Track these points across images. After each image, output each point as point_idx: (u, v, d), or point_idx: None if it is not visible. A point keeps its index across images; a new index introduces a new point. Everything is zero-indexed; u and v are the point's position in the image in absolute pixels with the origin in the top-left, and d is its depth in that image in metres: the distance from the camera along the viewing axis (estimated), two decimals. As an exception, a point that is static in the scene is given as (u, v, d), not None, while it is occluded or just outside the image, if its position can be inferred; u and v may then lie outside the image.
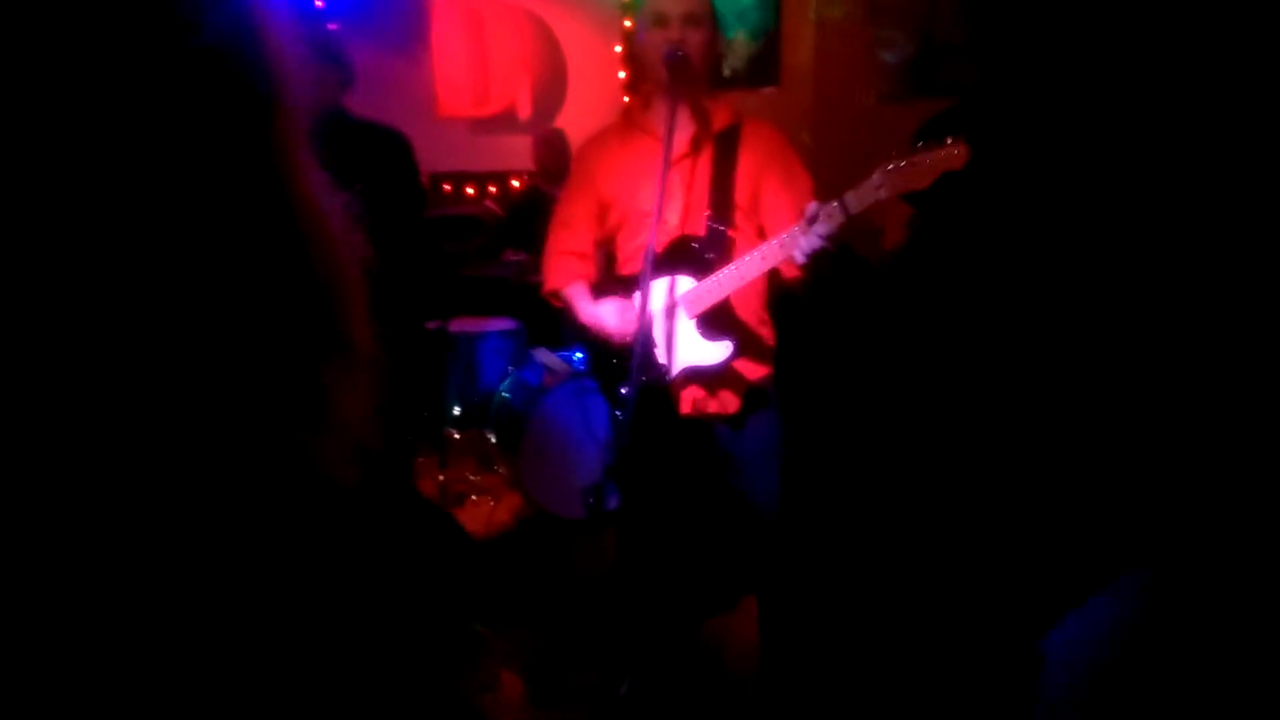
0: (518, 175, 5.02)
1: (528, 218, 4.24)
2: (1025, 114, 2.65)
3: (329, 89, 2.82)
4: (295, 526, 0.53)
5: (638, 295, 2.24)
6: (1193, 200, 2.78)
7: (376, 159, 2.81)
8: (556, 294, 2.42)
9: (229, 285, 0.51)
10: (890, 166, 1.95)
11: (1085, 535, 2.68)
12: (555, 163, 4.39)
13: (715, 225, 2.22)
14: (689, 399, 2.31)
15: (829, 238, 1.97)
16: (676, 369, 2.23)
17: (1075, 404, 2.65)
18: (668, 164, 2.03)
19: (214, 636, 0.50)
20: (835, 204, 1.97)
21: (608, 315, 2.26)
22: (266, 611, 0.52)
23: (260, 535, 0.51)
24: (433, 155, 4.99)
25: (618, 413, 2.31)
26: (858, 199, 1.97)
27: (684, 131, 2.23)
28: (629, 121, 2.37)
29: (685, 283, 2.20)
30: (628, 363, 2.26)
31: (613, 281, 2.37)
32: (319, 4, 4.96)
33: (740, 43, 4.42)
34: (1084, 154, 2.65)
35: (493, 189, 5.21)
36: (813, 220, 1.97)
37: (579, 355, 3.68)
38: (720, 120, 2.28)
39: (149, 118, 0.48)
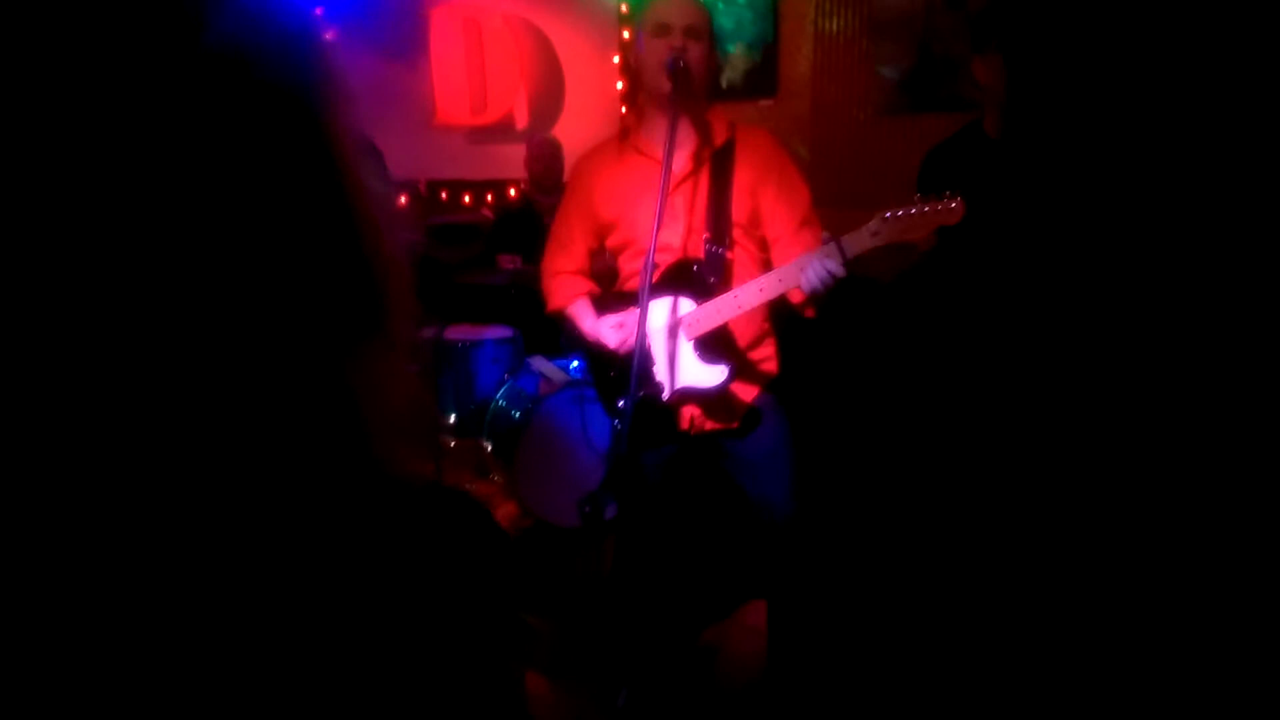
0: (514, 184, 5.02)
1: (519, 225, 4.24)
2: (1033, 140, 2.66)
3: None
4: (329, 516, 0.53)
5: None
6: (1195, 218, 2.80)
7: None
8: (561, 312, 2.43)
9: (275, 274, 0.51)
10: (888, 215, 1.99)
11: (1087, 539, 2.69)
12: (547, 173, 4.37)
13: (714, 248, 2.22)
14: (687, 416, 2.32)
15: (828, 278, 1.99)
16: (672, 389, 2.23)
17: (1076, 414, 2.67)
18: (668, 183, 2.03)
19: (264, 624, 0.50)
20: (834, 245, 2.00)
21: (606, 332, 2.27)
22: (313, 600, 0.52)
23: (298, 523, 0.51)
24: (430, 163, 5.01)
25: (616, 423, 2.32)
26: (854, 244, 2.01)
27: (683, 149, 2.22)
28: (624, 140, 2.35)
29: (686, 305, 2.20)
30: (624, 377, 2.27)
31: (616, 298, 2.37)
32: (318, 11, 4.97)
33: (738, 55, 4.44)
34: (1089, 182, 2.67)
35: (489, 197, 5.22)
36: (814, 259, 1.99)
37: (575, 364, 3.68)
38: (717, 134, 2.27)
39: (191, 112, 0.48)
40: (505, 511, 3.76)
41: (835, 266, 1.98)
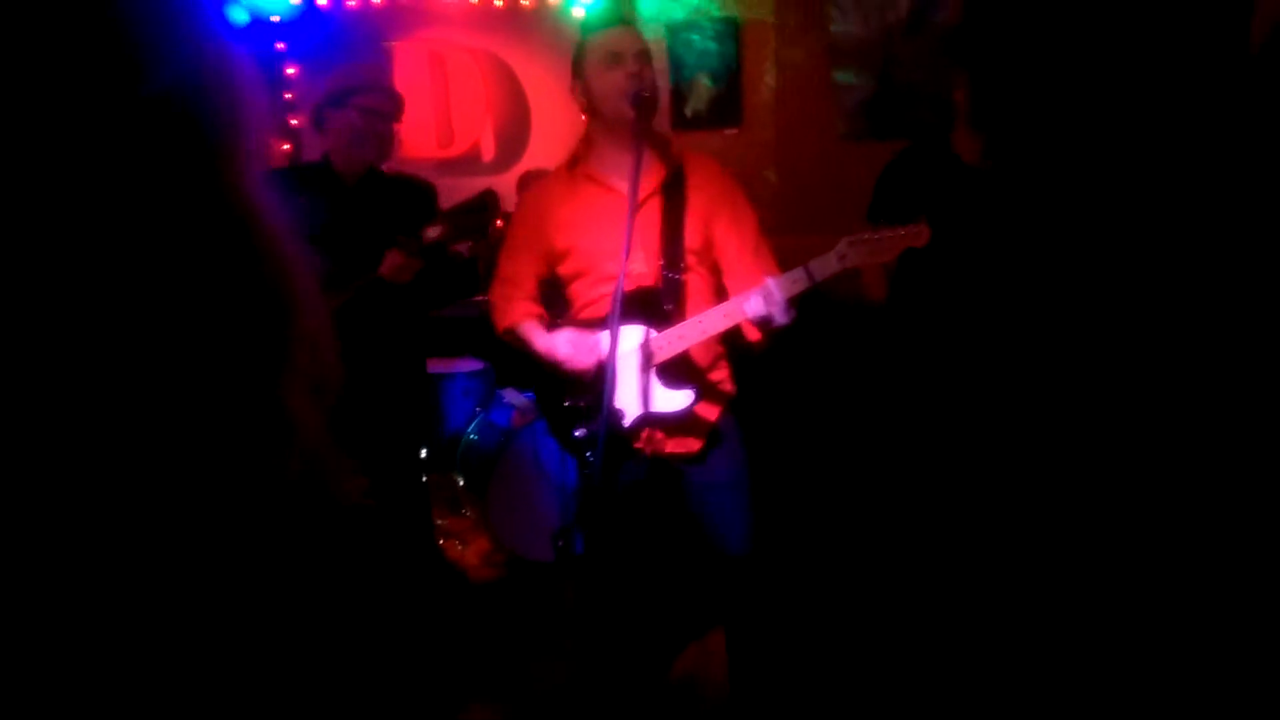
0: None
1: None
2: (1011, 159, 2.69)
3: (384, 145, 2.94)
4: (253, 534, 0.54)
5: (600, 336, 2.25)
6: (1177, 230, 2.84)
7: (412, 209, 2.93)
8: (511, 331, 2.41)
9: (184, 305, 0.52)
10: (855, 240, 2.05)
11: (1056, 574, 2.69)
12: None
13: (670, 274, 2.24)
14: (647, 440, 2.31)
15: (794, 301, 2.04)
16: (633, 416, 2.23)
17: (1047, 435, 2.68)
18: (635, 211, 2.04)
19: (181, 640, 0.50)
20: (801, 271, 2.04)
21: (561, 344, 2.25)
22: (227, 615, 0.52)
23: (217, 542, 0.52)
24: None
25: (589, 455, 2.31)
26: (821, 267, 2.07)
27: (639, 177, 2.25)
28: (573, 169, 2.35)
29: (639, 332, 2.21)
30: (577, 405, 2.27)
31: (570, 325, 2.37)
32: (280, 47, 4.96)
33: (702, 84, 4.48)
34: (1041, 191, 2.70)
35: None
36: (778, 289, 2.02)
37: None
38: (667, 161, 2.29)
39: (103, 154, 0.49)
40: (477, 547, 3.72)
41: (799, 290, 2.04)
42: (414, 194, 3.09)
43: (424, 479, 3.84)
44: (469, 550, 3.71)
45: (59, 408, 0.48)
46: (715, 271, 2.33)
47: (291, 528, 0.57)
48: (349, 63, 3.78)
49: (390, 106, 2.97)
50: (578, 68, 2.28)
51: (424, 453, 3.90)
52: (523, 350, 2.38)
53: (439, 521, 3.89)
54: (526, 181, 4.33)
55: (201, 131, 0.54)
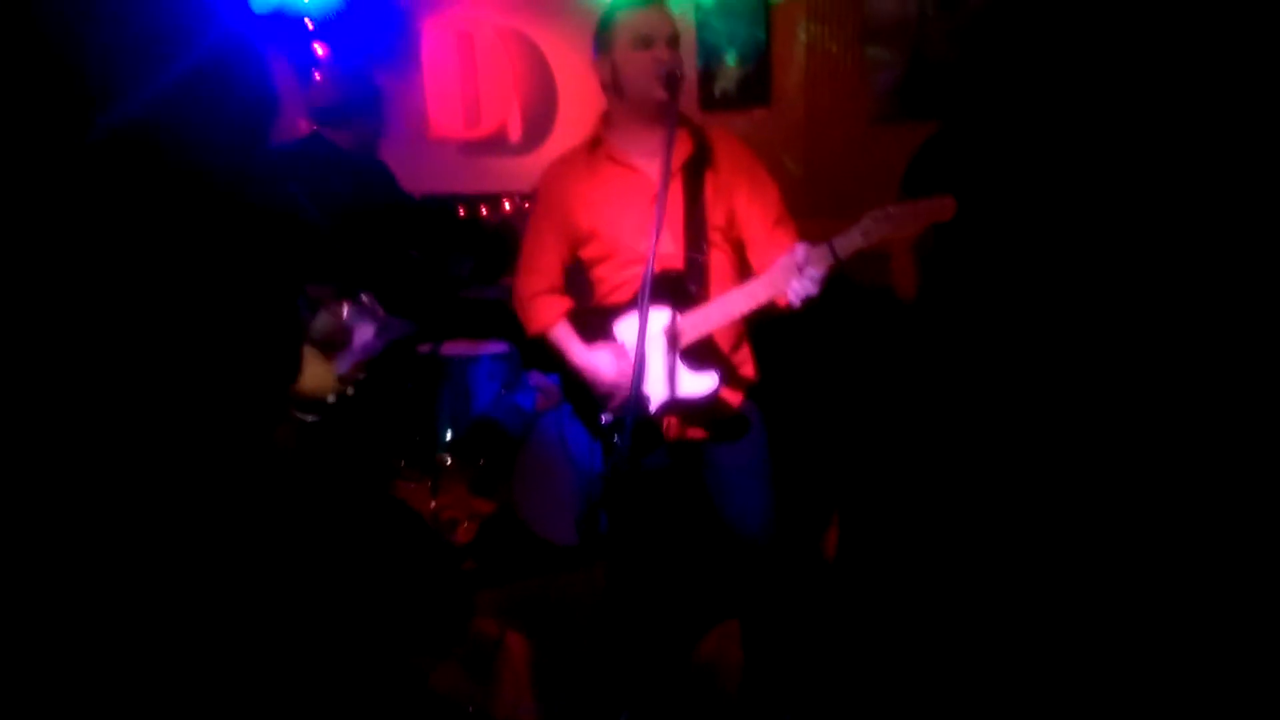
0: (509, 197, 5.00)
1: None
2: (1015, 136, 2.64)
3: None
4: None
5: (621, 329, 2.23)
6: (1189, 216, 2.78)
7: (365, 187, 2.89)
8: (544, 334, 2.41)
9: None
10: (880, 214, 1.99)
11: (1079, 565, 2.67)
12: None
13: (693, 255, 2.22)
14: (671, 426, 2.30)
15: (819, 280, 1.99)
16: (659, 400, 2.21)
17: (1075, 428, 2.64)
18: (666, 191, 2.02)
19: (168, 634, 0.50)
20: (825, 247, 1.99)
21: (603, 363, 2.25)
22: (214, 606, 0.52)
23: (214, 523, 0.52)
24: (424, 177, 4.99)
25: (615, 439, 2.31)
26: (846, 244, 2.00)
27: (659, 158, 2.21)
28: (595, 150, 2.32)
29: (666, 316, 2.19)
30: (600, 393, 2.26)
31: (595, 314, 2.35)
32: (309, 26, 4.96)
33: (731, 65, 4.43)
34: (1075, 172, 2.65)
35: (484, 211, 5.20)
36: (803, 264, 1.98)
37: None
38: (687, 141, 2.26)
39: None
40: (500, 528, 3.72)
41: (825, 269, 1.98)
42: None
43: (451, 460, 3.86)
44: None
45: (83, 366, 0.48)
46: (739, 249, 2.32)
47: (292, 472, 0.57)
48: None
49: None
50: (603, 45, 2.23)
51: (449, 435, 3.92)
52: (555, 352, 2.38)
53: (464, 503, 3.90)
54: None
55: (225, 114, 0.53)
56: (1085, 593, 2.59)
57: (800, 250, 2.00)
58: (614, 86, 2.24)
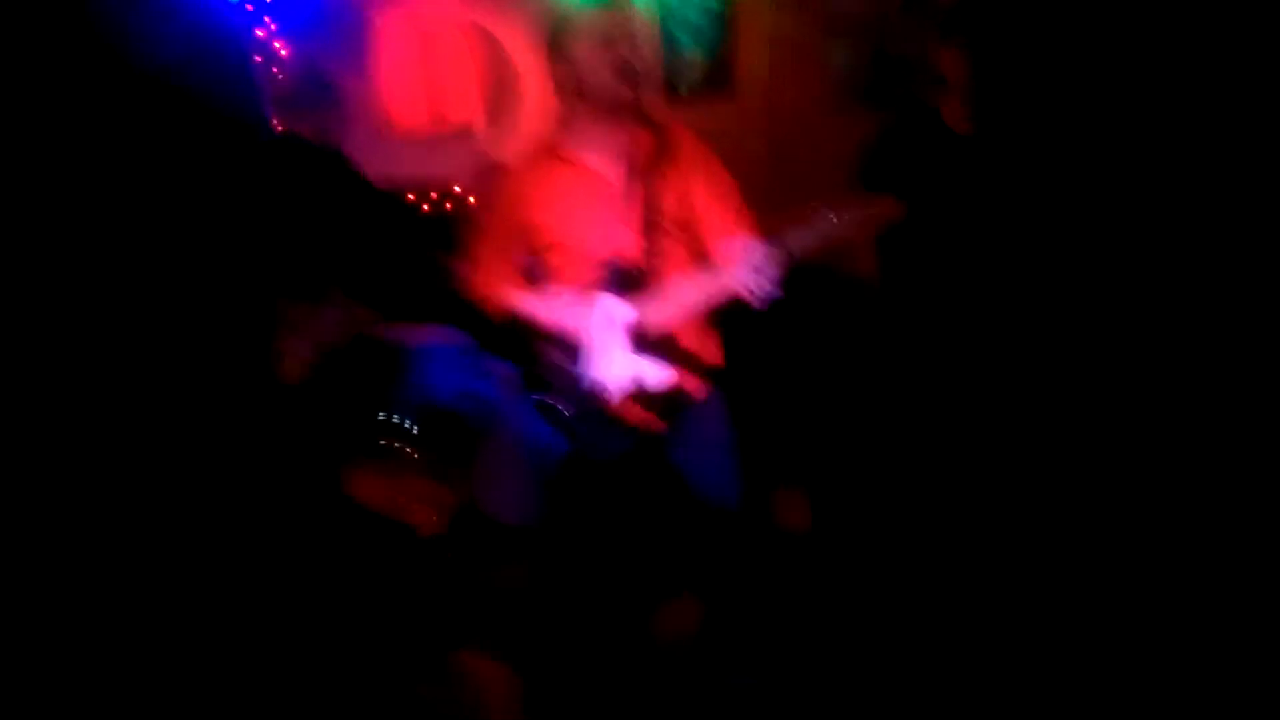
0: (474, 191, 4.98)
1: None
2: (1005, 133, 2.66)
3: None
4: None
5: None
6: (1143, 206, 2.82)
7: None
8: (513, 310, 2.40)
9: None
10: (832, 213, 1.99)
11: (1041, 540, 2.68)
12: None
13: (651, 249, 2.24)
14: (631, 414, 2.31)
15: (772, 278, 1.99)
16: (618, 389, 2.24)
17: (1044, 410, 2.66)
18: (626, 186, 2.05)
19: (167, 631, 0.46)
20: (779, 245, 2.00)
21: (565, 312, 2.26)
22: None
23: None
24: (389, 171, 4.95)
25: (575, 425, 2.33)
26: (799, 241, 2.01)
27: (619, 154, 2.23)
28: (553, 148, 2.31)
29: (624, 307, 2.21)
30: (555, 375, 2.28)
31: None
32: (268, 23, 4.91)
33: (693, 56, 4.44)
34: (1030, 163, 2.67)
35: (449, 206, 5.17)
36: (756, 259, 1.98)
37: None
38: (646, 137, 2.28)
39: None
40: (458, 513, 3.67)
41: (779, 263, 1.99)
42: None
43: (411, 450, 3.81)
44: (446, 519, 3.67)
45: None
46: (696, 243, 2.33)
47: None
48: None
49: None
50: (561, 47, 2.20)
51: (407, 423, 3.87)
52: (521, 325, 2.37)
53: (423, 490, 3.84)
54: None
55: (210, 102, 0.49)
56: (1039, 562, 2.61)
57: (754, 246, 2.01)
58: (574, 88, 2.21)
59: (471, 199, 5.01)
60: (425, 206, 5.17)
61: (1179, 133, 2.90)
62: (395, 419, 3.79)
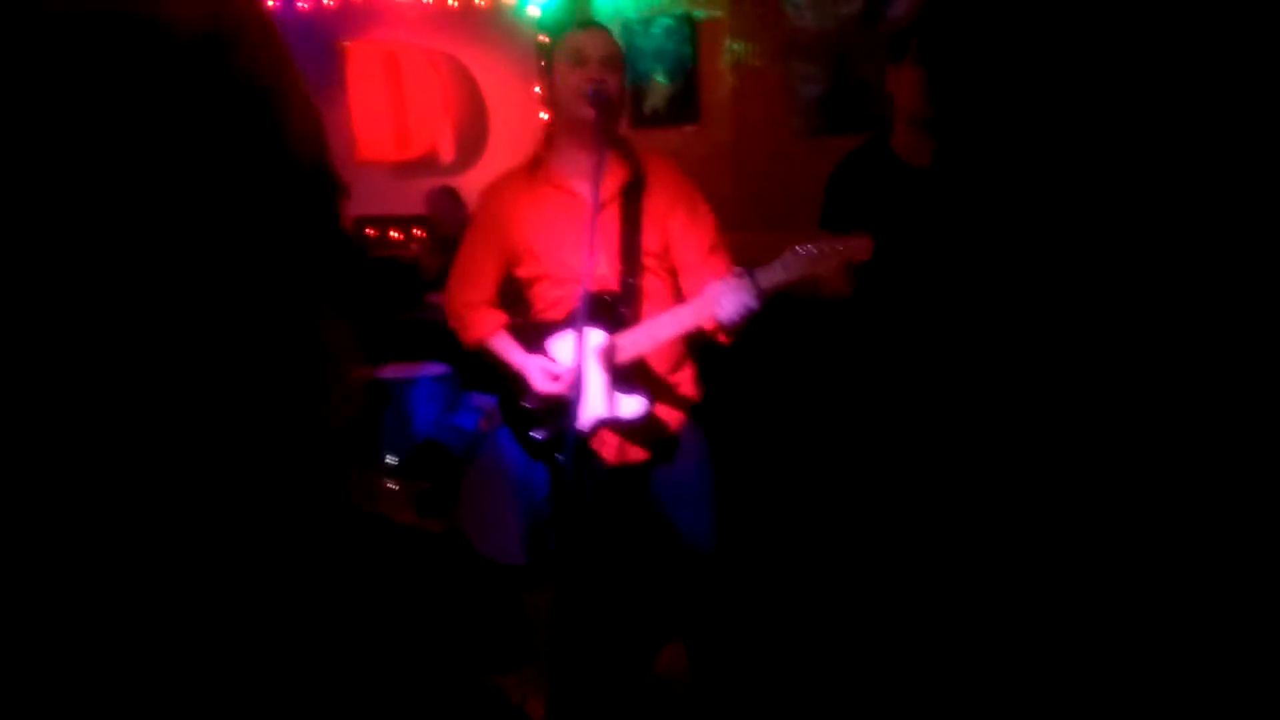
0: (441, 219, 4.99)
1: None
2: (957, 159, 2.69)
3: None
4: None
5: (554, 346, 2.27)
6: (1133, 228, 2.89)
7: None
8: (482, 343, 2.41)
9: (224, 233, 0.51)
10: (801, 251, 2.02)
11: (1024, 588, 2.73)
12: (448, 217, 4.55)
13: (627, 279, 2.25)
14: (610, 447, 2.32)
15: (743, 310, 2.02)
16: (591, 419, 2.24)
17: (1021, 436, 2.72)
18: (597, 214, 2.04)
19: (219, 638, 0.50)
20: (748, 279, 2.02)
21: (535, 374, 2.28)
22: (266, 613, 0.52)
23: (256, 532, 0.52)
24: (355, 200, 4.96)
25: (558, 457, 2.32)
26: (767, 277, 2.03)
27: (599, 180, 2.24)
28: (535, 171, 2.34)
29: (599, 336, 2.21)
30: (535, 408, 2.29)
31: (531, 329, 2.38)
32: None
33: (659, 82, 4.49)
34: (997, 182, 2.73)
35: (418, 233, 5.18)
36: (730, 292, 2.02)
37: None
38: (627, 165, 2.29)
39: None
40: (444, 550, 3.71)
41: (750, 300, 2.02)
42: None
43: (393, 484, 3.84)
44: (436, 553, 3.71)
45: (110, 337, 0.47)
46: (674, 275, 2.34)
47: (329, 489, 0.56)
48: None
49: None
50: (549, 63, 2.27)
51: (391, 458, 3.90)
52: (492, 360, 2.39)
53: (408, 525, 3.88)
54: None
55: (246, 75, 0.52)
56: (1022, 589, 2.67)
57: (727, 280, 2.04)
58: (552, 104, 2.28)
59: (438, 227, 5.04)
60: (397, 235, 5.18)
61: (1133, 156, 2.97)
62: (379, 453, 3.82)
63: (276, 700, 0.50)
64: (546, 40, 4.98)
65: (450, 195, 4.64)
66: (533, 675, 2.62)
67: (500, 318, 2.42)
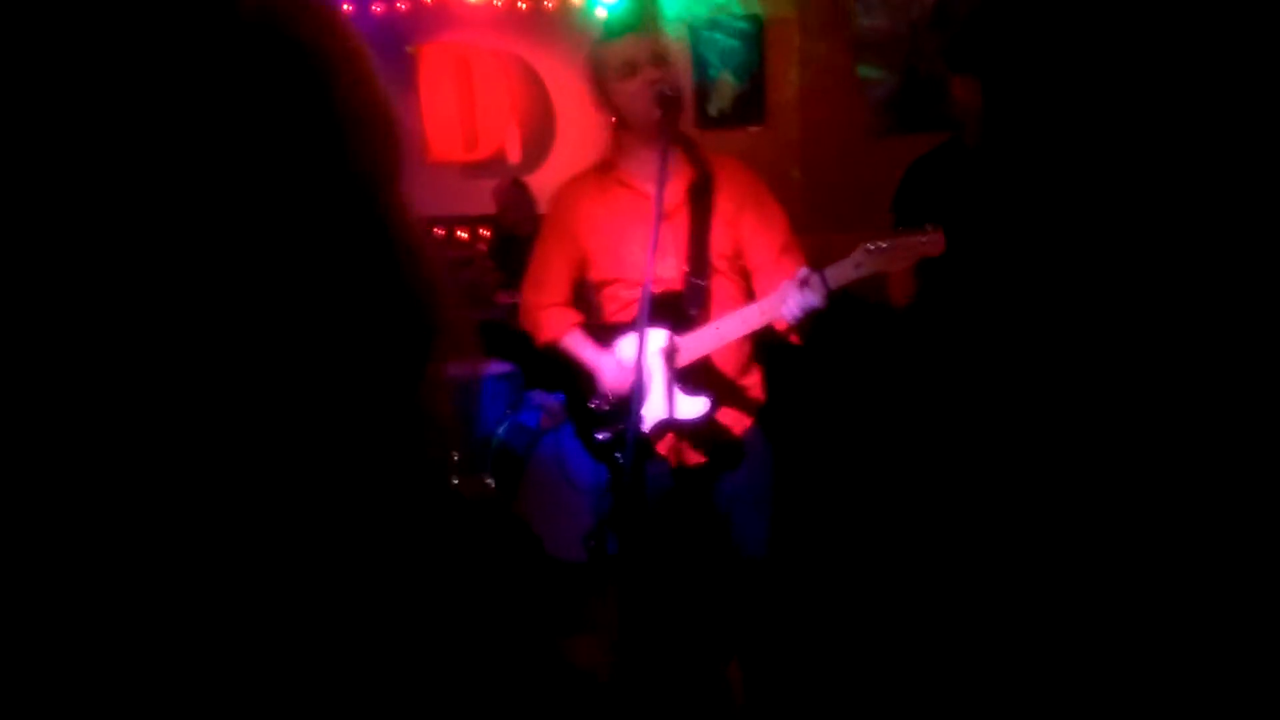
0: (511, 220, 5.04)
1: (504, 260, 4.36)
2: (1015, 151, 2.66)
3: None
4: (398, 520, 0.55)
5: (621, 346, 2.27)
6: (1178, 224, 2.82)
7: None
8: (555, 343, 2.43)
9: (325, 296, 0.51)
10: (871, 248, 2.01)
11: (1076, 591, 2.67)
12: (515, 211, 4.60)
13: (694, 280, 2.24)
14: (671, 449, 2.32)
15: (811, 308, 2.00)
16: (653, 420, 2.23)
17: (1076, 444, 2.66)
18: (661, 214, 2.04)
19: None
20: (817, 277, 2.01)
21: (608, 368, 2.27)
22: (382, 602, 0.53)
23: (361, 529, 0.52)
24: (424, 200, 5.03)
25: (618, 457, 2.33)
26: (837, 275, 2.02)
27: (668, 181, 2.23)
28: (606, 173, 2.34)
29: (661, 336, 2.20)
30: (601, 408, 2.29)
31: (600, 330, 2.38)
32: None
33: (726, 83, 4.48)
34: (1068, 182, 2.68)
35: (485, 233, 5.24)
36: (796, 290, 2.00)
37: (574, 398, 3.69)
38: (695, 166, 2.28)
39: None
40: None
41: (817, 299, 2.00)
42: None
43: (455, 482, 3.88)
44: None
45: (204, 396, 0.48)
46: (744, 276, 2.32)
47: (424, 515, 0.57)
48: None
49: None
50: (596, 82, 2.24)
51: (455, 455, 3.94)
52: (564, 359, 2.40)
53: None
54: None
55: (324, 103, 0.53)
56: (1084, 602, 2.61)
57: (793, 279, 2.02)
58: (616, 116, 2.26)
59: (504, 217, 5.09)
60: (464, 235, 5.25)
61: (1187, 150, 2.89)
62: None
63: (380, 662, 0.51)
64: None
65: (519, 188, 4.67)
66: (600, 640, 2.63)
67: (574, 316, 2.42)
